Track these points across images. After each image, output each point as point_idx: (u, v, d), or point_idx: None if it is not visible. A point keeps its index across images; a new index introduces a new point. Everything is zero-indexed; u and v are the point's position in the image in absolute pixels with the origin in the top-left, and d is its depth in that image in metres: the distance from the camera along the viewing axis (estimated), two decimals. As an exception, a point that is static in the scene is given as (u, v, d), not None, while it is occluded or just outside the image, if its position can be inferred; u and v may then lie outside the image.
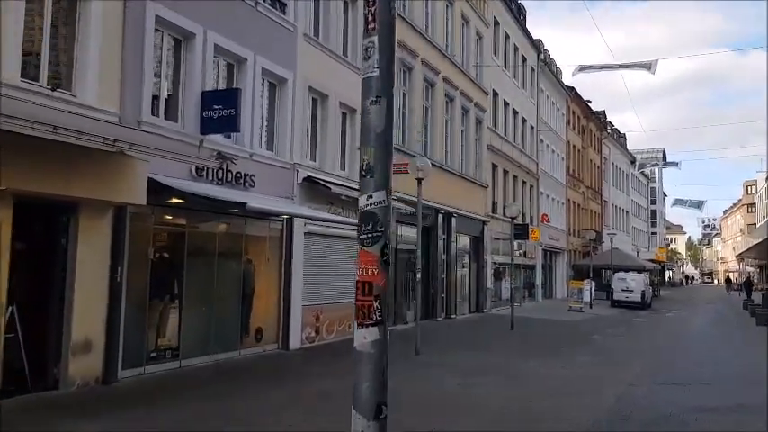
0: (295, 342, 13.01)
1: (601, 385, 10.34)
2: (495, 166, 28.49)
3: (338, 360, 11.65)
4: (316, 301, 13.83)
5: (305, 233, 13.36)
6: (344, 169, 15.66)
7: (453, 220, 22.63)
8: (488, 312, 25.75)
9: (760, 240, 30.97)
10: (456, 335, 17.96)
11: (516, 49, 32.12)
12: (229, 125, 10.67)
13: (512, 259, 20.71)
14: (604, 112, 57.20)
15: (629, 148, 65.64)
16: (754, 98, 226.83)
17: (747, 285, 44.65)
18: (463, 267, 24.70)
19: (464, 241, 24.83)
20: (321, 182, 13.35)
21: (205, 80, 10.95)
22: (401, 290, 18.85)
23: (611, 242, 40.46)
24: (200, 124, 10.65)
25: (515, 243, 30.84)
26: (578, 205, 46.38)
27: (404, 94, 19.59)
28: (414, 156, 16.77)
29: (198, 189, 9.91)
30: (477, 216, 25.32)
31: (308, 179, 13.24)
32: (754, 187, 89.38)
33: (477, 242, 26.04)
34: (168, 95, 10.71)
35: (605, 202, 55.00)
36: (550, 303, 33.77)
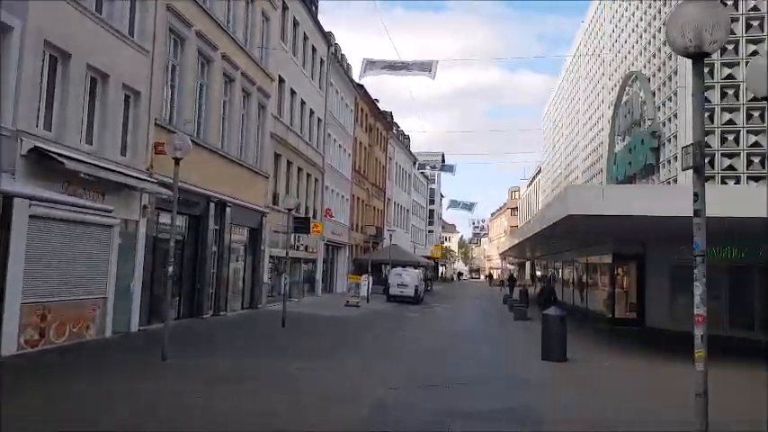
0: (9, 347, 10.68)
1: (362, 389, 9.69)
2: (278, 156, 27.37)
3: (60, 370, 9.70)
4: (42, 297, 11.56)
5: (30, 216, 11.04)
6: (92, 143, 13.46)
7: (228, 209, 21.07)
8: (263, 309, 24.54)
9: (519, 241, 33.56)
10: (220, 334, 16.51)
11: (306, 38, 31.30)
12: None
13: (286, 253, 19.72)
14: (391, 113, 58.97)
15: (412, 150, 68.60)
16: (521, 112, 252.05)
17: (511, 282, 48.66)
18: (237, 261, 23.23)
19: (240, 233, 23.37)
20: (53, 155, 11.12)
21: None
22: (161, 285, 16.90)
23: (391, 238, 41.50)
24: None
25: (296, 237, 30.29)
26: (362, 201, 47.04)
27: (173, 67, 17.65)
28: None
29: None
30: (256, 207, 24.00)
31: (37, 151, 10.95)
32: (517, 193, 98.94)
33: (255, 234, 24.70)
34: None
35: (388, 199, 56.66)
36: (330, 298, 33.51)
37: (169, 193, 14.27)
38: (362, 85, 44.88)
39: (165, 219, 16.57)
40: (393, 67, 22.90)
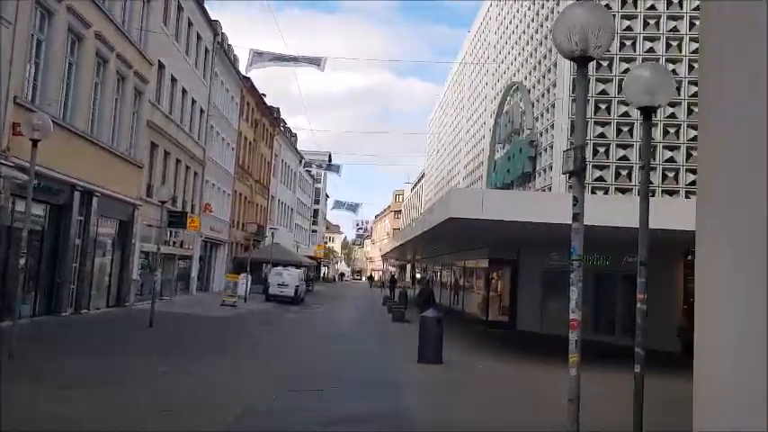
0: None
1: (231, 394, 9.15)
2: (154, 146, 25.92)
3: None
4: None
5: None
6: (-67, 118, 11.98)
7: (95, 199, 19.60)
8: (132, 307, 23.11)
9: (400, 243, 33.92)
10: (79, 334, 15.25)
11: (191, 23, 29.94)
12: None
13: (158, 248, 18.59)
14: (278, 109, 57.91)
15: (299, 148, 67.75)
16: (409, 117, 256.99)
17: (392, 283, 49.17)
18: (104, 255, 21.71)
19: (108, 225, 21.86)
20: None
21: None
22: (14, 279, 15.35)
23: (273, 237, 40.63)
24: None
25: (171, 232, 28.85)
26: (245, 198, 45.78)
27: (38, 42, 16.16)
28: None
29: None
30: (128, 198, 22.53)
31: None
32: (401, 196, 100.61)
33: (126, 227, 23.19)
34: None
35: (272, 197, 55.57)
36: (206, 297, 32.22)
37: (25, 178, 12.99)
38: (249, 78, 43.64)
39: (22, 206, 15.09)
40: (282, 58, 22.39)
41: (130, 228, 23.35)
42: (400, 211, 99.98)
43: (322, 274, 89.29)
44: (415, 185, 78.20)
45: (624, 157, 19.66)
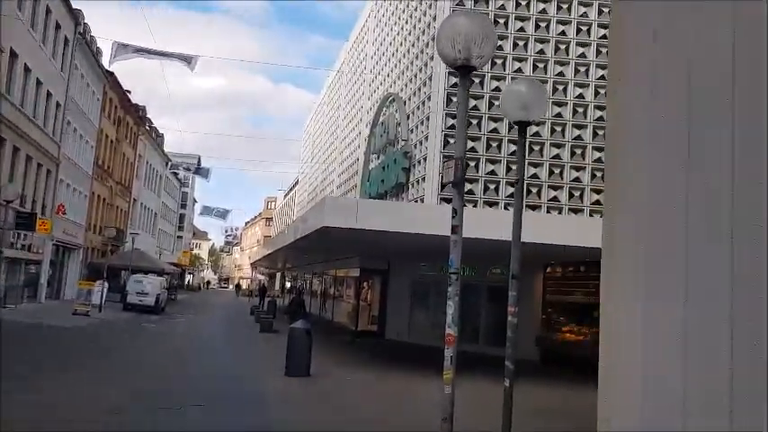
0: None
1: (75, 415, 8.29)
2: (2, 141, 23.61)
3: None
4: None
5: None
6: None
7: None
8: (-35, 315, 20.77)
9: (270, 252, 33.23)
10: None
11: (49, 11, 27.69)
12: None
13: (0, 252, 16.81)
14: (144, 107, 55.07)
15: (167, 151, 64.74)
16: (283, 124, 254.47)
17: (261, 292, 48.03)
18: (-65, 258, 19.41)
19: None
20: None
21: None
22: None
23: (133, 242, 38.38)
24: None
25: (17, 234, 26.33)
26: (104, 200, 42.96)
27: None
28: None
29: None
30: (-34, 196, 20.30)
31: None
32: (274, 203, 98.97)
33: (-38, 228, 20.88)
34: None
35: (135, 200, 52.61)
36: (56, 305, 29.71)
37: None
38: (113, 74, 41.10)
39: None
40: (149, 51, 21.20)
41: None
42: (272, 218, 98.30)
43: (187, 282, 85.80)
44: (288, 193, 77.27)
45: (492, 172, 20.42)
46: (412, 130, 22.88)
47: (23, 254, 27.40)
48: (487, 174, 20.47)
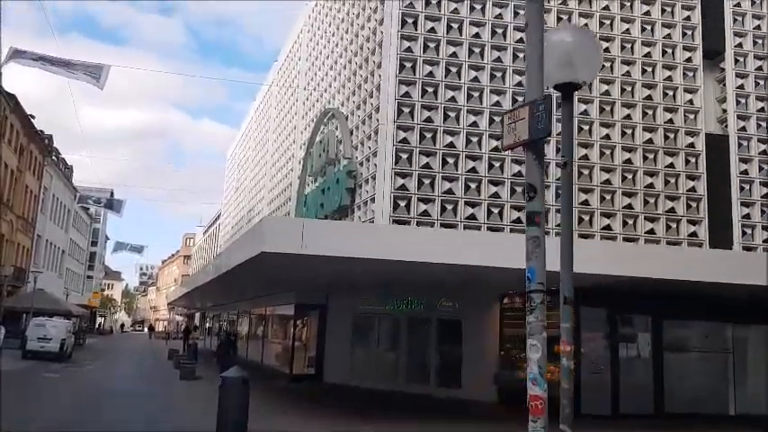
0: None
1: None
2: None
3: None
4: None
5: None
6: None
7: None
8: None
9: (191, 289, 30.29)
10: None
11: (-67, 16, 24.28)
12: None
13: None
14: (51, 136, 50.80)
15: (76, 183, 60.13)
16: (201, 160, 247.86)
17: (186, 334, 44.54)
18: None
19: None
20: None
21: None
22: None
23: (35, 282, 34.38)
24: None
25: None
26: (2, 236, 38.57)
27: None
28: None
29: None
30: None
31: None
32: (192, 240, 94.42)
33: None
34: None
35: (39, 236, 48.03)
36: (-63, 356, 25.52)
37: None
38: (15, 96, 37.30)
39: None
40: (51, 61, 18.33)
41: None
42: (190, 256, 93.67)
43: (98, 325, 79.87)
44: (209, 229, 73.58)
45: (496, 194, 18.85)
46: (356, 147, 20.86)
47: None
48: (490, 196, 18.75)
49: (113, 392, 18.54)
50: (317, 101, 26.29)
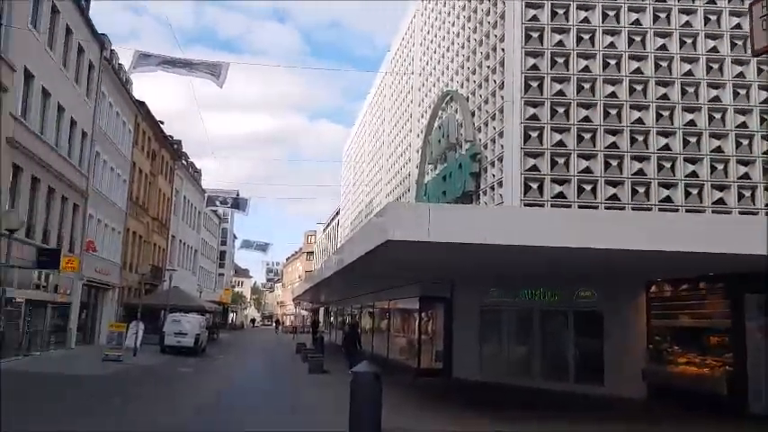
0: None
1: None
2: (18, 169, 21.39)
3: None
4: None
5: None
6: None
7: None
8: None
9: (315, 283, 30.46)
10: None
11: (70, 31, 25.68)
12: None
13: (3, 291, 14.04)
14: (180, 141, 53.39)
15: (203, 186, 63.03)
16: (319, 159, 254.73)
17: (314, 327, 45.23)
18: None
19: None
20: None
21: None
22: None
23: (170, 280, 35.98)
24: None
25: (40, 273, 24.00)
26: (140, 237, 40.84)
27: None
28: None
29: None
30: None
31: None
32: (313, 237, 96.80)
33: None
34: None
35: (173, 237, 50.62)
36: (87, 351, 27.17)
37: None
38: (144, 103, 39.27)
39: None
40: (173, 63, 18.72)
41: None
42: (312, 252, 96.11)
43: (230, 321, 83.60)
44: (328, 225, 74.88)
45: (587, 170, 17.07)
46: (479, 129, 19.70)
47: (48, 295, 25.01)
48: (634, 174, 17.12)
49: (247, 385, 18.70)
50: (434, 85, 25.31)
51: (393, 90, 34.33)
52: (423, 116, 26.38)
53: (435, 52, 25.24)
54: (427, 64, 26.48)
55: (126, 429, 10.67)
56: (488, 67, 19.20)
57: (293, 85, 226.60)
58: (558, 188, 16.88)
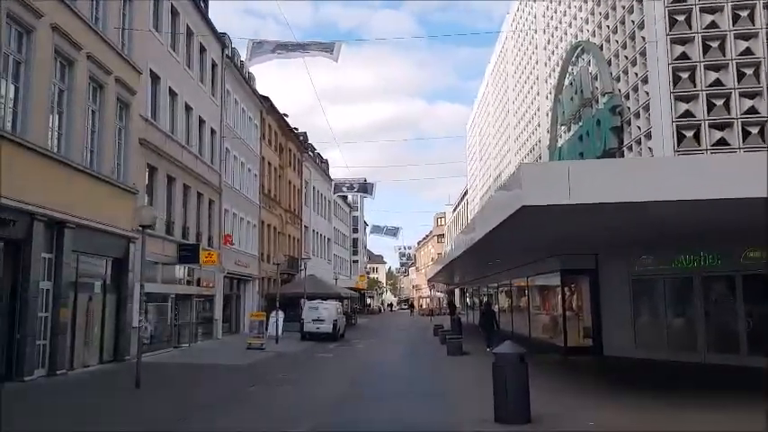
0: None
1: None
2: (153, 169, 22.18)
3: None
4: None
5: None
6: None
7: (67, 232, 15.74)
8: (132, 360, 19.00)
9: (445, 265, 29.54)
10: (30, 408, 11.11)
11: (191, 32, 26.39)
12: None
13: (141, 286, 14.32)
14: (305, 133, 54.34)
15: (331, 176, 64.09)
16: (442, 140, 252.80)
17: (451, 308, 44.65)
18: (91, 300, 17.81)
19: (93, 263, 18.00)
20: None
21: None
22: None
23: (305, 268, 36.61)
24: None
25: (182, 268, 24.96)
26: (274, 228, 41.97)
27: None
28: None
29: None
30: (119, 230, 18.62)
31: None
32: (443, 219, 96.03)
33: (119, 265, 19.29)
34: None
35: (306, 227, 51.79)
36: (232, 341, 28.11)
37: None
38: (268, 98, 40.14)
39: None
40: (287, 47, 18.45)
41: (125, 265, 19.45)
42: (443, 234, 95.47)
43: (367, 306, 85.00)
44: (457, 206, 73.70)
45: (752, 110, 14.70)
46: (617, 79, 17.75)
47: (193, 289, 26.02)
48: (744, 113, 14.78)
49: (386, 369, 18.24)
50: (561, 40, 23.33)
51: (515, 54, 32.46)
52: (550, 75, 24.48)
53: (560, 3, 23.18)
54: (552, 18, 24.48)
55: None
56: (623, 7, 17.13)
57: (408, 69, 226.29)
58: (718, 134, 14.69)
